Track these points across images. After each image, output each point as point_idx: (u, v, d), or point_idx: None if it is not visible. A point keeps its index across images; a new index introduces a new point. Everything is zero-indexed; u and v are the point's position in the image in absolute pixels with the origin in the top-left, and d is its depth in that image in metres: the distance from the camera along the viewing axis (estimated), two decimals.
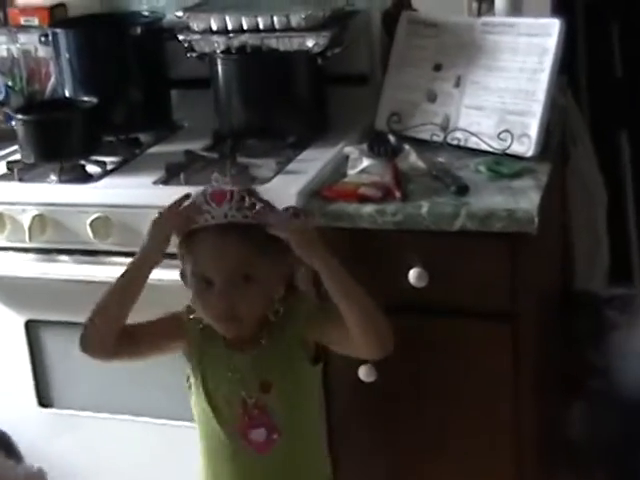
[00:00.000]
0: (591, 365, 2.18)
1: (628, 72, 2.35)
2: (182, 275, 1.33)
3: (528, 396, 1.54)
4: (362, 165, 1.60)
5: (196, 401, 1.36)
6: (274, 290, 1.31)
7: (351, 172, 1.61)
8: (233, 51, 1.75)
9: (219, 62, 1.76)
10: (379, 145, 1.64)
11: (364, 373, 1.50)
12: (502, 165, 1.57)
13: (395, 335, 1.31)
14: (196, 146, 1.79)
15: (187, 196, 1.32)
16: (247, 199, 1.26)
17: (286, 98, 1.78)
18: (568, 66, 1.88)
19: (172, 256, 1.35)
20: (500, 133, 1.62)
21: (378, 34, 1.86)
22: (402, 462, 1.57)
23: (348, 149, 1.66)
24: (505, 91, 1.66)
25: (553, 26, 1.62)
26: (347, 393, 1.55)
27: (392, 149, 1.64)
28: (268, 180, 1.60)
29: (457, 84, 1.72)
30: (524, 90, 1.63)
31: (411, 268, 1.44)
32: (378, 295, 1.32)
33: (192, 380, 1.36)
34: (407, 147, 1.64)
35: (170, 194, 1.39)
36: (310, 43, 1.71)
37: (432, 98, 1.74)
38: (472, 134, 1.67)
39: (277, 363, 1.32)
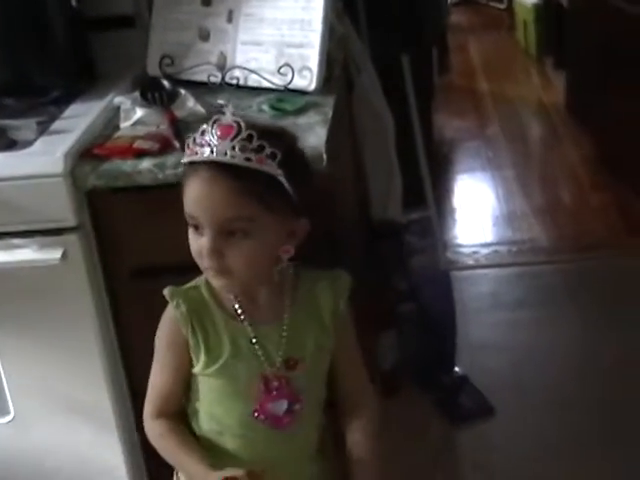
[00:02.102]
0: (398, 291, 2.22)
1: None
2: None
3: None
4: (136, 116, 1.50)
5: (202, 381, 1.21)
6: (275, 248, 1.16)
7: (124, 125, 1.49)
8: None
9: None
10: (152, 92, 1.53)
11: None
12: (285, 102, 1.51)
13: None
14: None
15: None
16: (255, 139, 1.08)
17: (39, 47, 1.60)
18: None
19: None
20: (280, 68, 1.57)
21: None
22: None
23: (119, 99, 1.54)
24: (281, 22, 1.59)
25: None
26: None
27: (167, 95, 1.54)
28: (30, 143, 1.44)
29: (230, 19, 1.64)
30: (300, 20, 1.58)
31: None
32: (168, 256, 1.23)
33: (197, 363, 1.20)
34: (183, 92, 1.54)
35: None
36: None
37: (205, 36, 1.65)
38: (251, 71, 1.60)
39: (309, 340, 1.21)
